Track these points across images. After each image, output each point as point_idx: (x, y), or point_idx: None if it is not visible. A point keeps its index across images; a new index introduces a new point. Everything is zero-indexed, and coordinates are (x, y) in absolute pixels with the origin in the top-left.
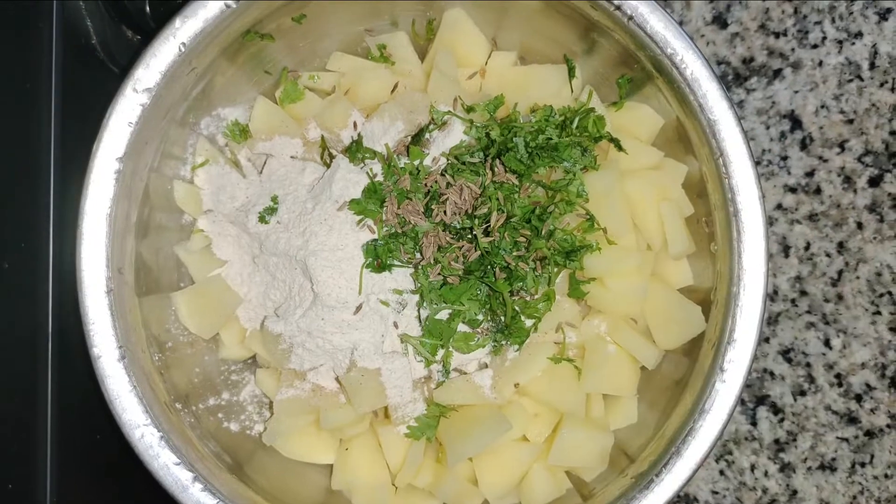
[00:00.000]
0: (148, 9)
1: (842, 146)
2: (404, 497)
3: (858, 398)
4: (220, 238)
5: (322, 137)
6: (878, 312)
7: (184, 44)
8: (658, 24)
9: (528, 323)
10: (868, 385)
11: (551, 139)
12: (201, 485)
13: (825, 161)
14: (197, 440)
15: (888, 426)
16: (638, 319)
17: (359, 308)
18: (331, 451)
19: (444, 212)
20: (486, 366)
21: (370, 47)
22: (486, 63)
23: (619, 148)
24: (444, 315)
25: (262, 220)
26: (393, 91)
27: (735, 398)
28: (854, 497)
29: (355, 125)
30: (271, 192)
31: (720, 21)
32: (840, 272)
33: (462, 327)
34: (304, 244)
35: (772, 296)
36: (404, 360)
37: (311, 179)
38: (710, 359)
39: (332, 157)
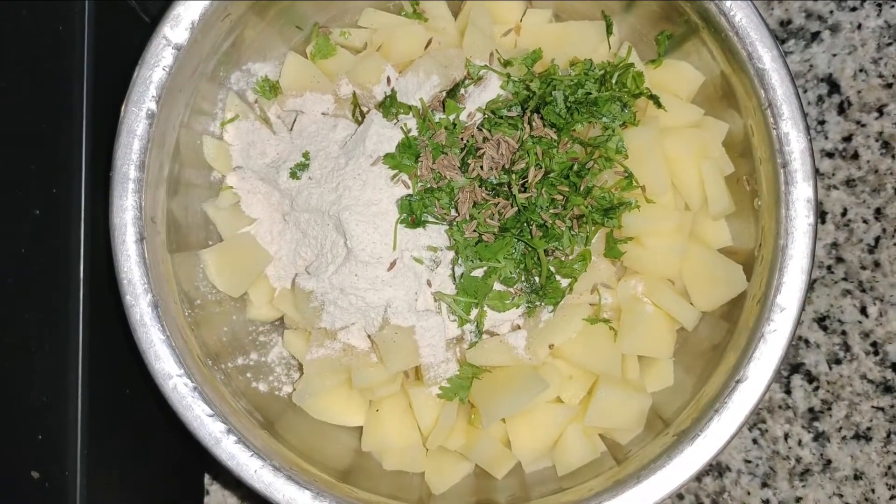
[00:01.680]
0: None
1: (880, 111)
2: (435, 459)
3: (895, 367)
4: (250, 195)
5: (354, 94)
6: None
7: None
8: None
9: (564, 283)
10: None
11: (590, 94)
12: (235, 437)
13: (863, 126)
14: (229, 395)
15: None
16: (675, 280)
17: (393, 264)
18: (361, 413)
19: (481, 167)
20: (519, 327)
21: (403, 3)
22: (521, 20)
23: (659, 105)
24: (479, 273)
25: (293, 175)
26: (426, 48)
27: (783, 350)
28: (889, 467)
29: (388, 80)
30: (302, 149)
31: None
32: (877, 239)
33: (497, 286)
34: (337, 199)
35: None
36: (438, 319)
37: (343, 136)
38: (755, 314)
39: (363, 114)
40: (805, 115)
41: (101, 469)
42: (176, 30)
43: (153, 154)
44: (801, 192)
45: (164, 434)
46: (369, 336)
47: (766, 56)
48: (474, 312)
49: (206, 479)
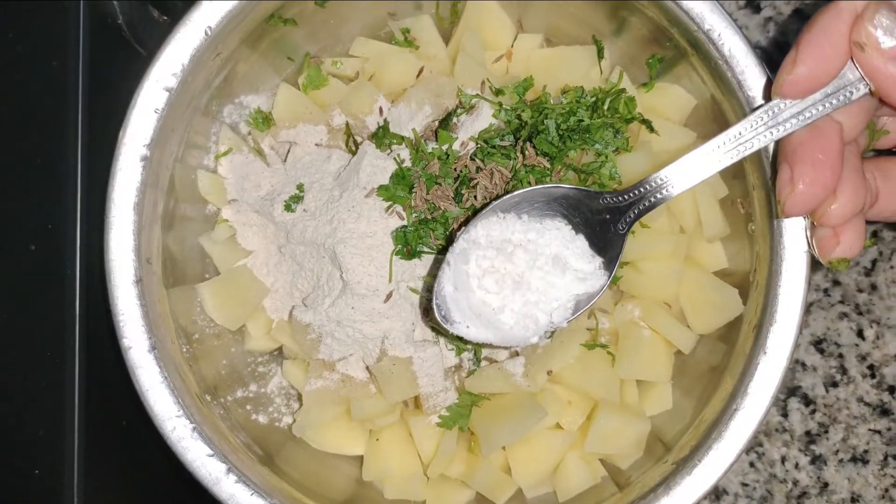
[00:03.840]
0: None
1: None
2: (436, 487)
3: (891, 390)
4: (245, 228)
5: (347, 124)
6: None
7: (210, 27)
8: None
9: None
10: None
11: (583, 121)
12: (235, 476)
13: None
14: (228, 432)
15: None
16: (672, 304)
17: (389, 296)
18: (361, 443)
19: (475, 196)
20: (517, 354)
21: (394, 31)
22: (512, 46)
23: (651, 129)
24: None
25: (287, 208)
26: (418, 76)
27: (779, 379)
28: (886, 490)
29: (381, 111)
30: (296, 181)
31: (753, 5)
32: (874, 262)
33: None
34: (332, 232)
35: None
36: (435, 349)
37: (337, 167)
38: (751, 340)
39: (357, 144)
40: None
41: (99, 502)
42: (166, 72)
43: (148, 194)
44: (795, 220)
45: (161, 467)
46: (367, 367)
47: (756, 85)
48: None
49: None
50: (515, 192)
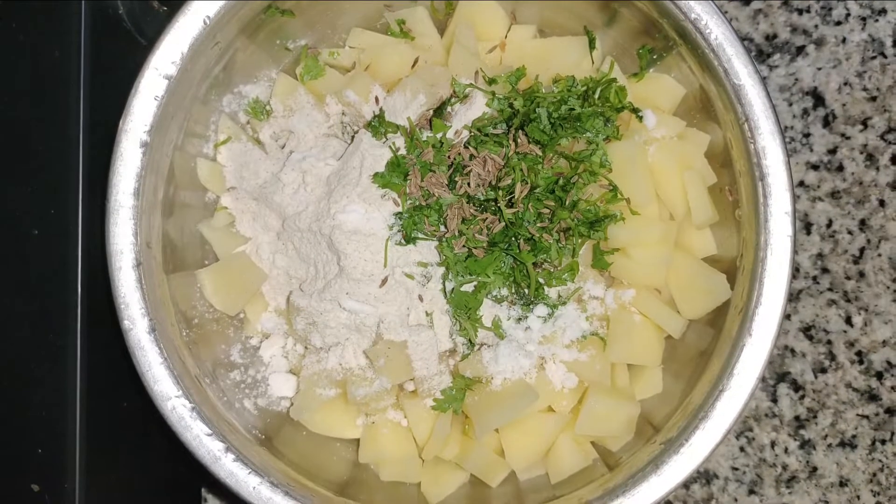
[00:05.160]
0: None
1: (864, 123)
2: (431, 469)
3: (879, 375)
4: (244, 215)
5: (343, 113)
6: None
7: (208, 17)
8: None
9: (553, 294)
10: (889, 363)
11: (574, 109)
12: (233, 455)
13: (848, 138)
14: (226, 413)
15: None
16: (662, 290)
17: (384, 281)
18: (357, 425)
19: (468, 184)
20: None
21: (389, 23)
22: (506, 37)
23: (640, 119)
24: (469, 287)
25: (285, 196)
26: (413, 66)
27: (764, 361)
28: (874, 474)
29: (377, 100)
30: (294, 169)
31: None
32: (862, 249)
33: (488, 300)
34: (329, 219)
35: (793, 273)
36: (430, 333)
37: (334, 155)
38: (737, 324)
39: (353, 132)
40: (782, 130)
41: (100, 481)
42: (166, 60)
43: (148, 180)
44: (780, 205)
45: (161, 446)
46: (364, 351)
47: (742, 72)
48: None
49: (203, 490)
50: None
